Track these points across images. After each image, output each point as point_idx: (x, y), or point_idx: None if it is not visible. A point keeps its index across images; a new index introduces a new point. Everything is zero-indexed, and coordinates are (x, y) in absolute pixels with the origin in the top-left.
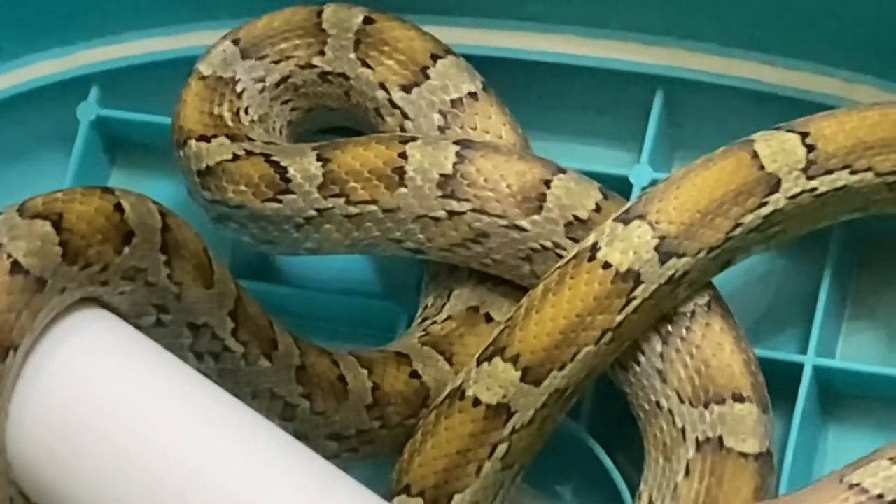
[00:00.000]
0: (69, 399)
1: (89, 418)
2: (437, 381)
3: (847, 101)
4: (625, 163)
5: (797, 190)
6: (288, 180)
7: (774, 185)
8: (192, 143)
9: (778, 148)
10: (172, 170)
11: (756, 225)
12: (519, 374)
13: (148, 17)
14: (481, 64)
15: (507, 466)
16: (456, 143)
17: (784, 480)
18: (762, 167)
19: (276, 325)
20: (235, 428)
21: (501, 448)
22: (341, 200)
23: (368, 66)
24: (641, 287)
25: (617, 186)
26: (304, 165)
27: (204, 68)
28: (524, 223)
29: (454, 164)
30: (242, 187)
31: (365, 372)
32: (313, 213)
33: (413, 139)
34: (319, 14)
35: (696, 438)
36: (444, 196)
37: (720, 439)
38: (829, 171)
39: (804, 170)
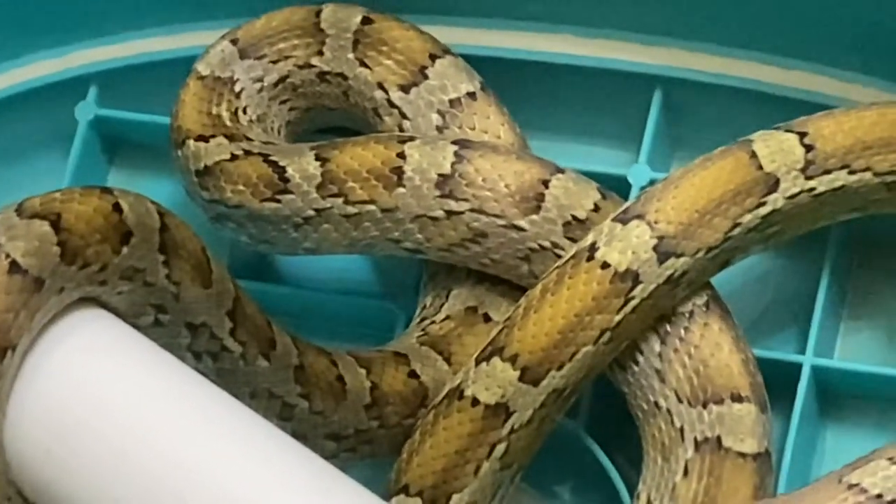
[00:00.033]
0: (67, 399)
1: (87, 418)
2: (435, 380)
3: (845, 101)
4: (623, 163)
5: (795, 190)
6: (286, 180)
7: (773, 185)
8: (191, 142)
9: (776, 148)
10: (171, 170)
11: (754, 225)
12: (517, 373)
13: (146, 17)
14: (480, 64)
15: (506, 466)
16: (454, 143)
17: (782, 480)
18: (760, 167)
19: (274, 324)
20: (234, 428)
21: (500, 448)
22: (340, 200)
23: (367, 66)
24: (640, 287)
25: (615, 186)
26: (302, 165)
27: (202, 68)
28: (522, 223)
29: (452, 164)
30: (241, 187)
31: (363, 372)
32: (312, 213)
33: (411, 139)
34: (318, 14)
35: (695, 438)
36: (442, 196)
37: (718, 439)
38: (828, 171)
39: (802, 170)
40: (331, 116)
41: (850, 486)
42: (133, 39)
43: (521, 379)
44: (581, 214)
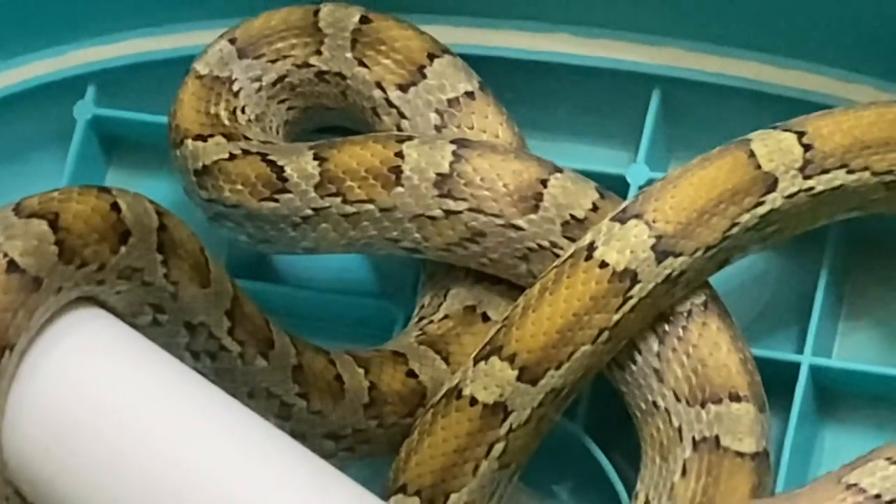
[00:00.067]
0: (65, 398)
1: (85, 417)
2: (433, 380)
3: (844, 100)
4: (621, 162)
5: (794, 189)
6: (284, 179)
7: (771, 184)
8: (189, 142)
9: (774, 147)
10: (169, 169)
11: (753, 224)
12: (516, 373)
13: (144, 17)
14: (478, 63)
15: (504, 466)
16: (452, 142)
17: (781, 480)
18: (759, 166)
19: (272, 324)
20: (232, 427)
21: (498, 447)
22: (338, 200)
23: (365, 66)
24: (638, 286)
25: (614, 186)
26: (300, 165)
27: (200, 67)
28: (521, 222)
29: (451, 164)
30: (239, 186)
31: (362, 371)
32: (310, 212)
33: (410, 138)
34: (316, 13)
35: (693, 438)
36: (440, 195)
37: (717, 439)
38: (826, 171)
39: (801, 169)
40: (329, 116)
41: (849, 487)
42: (131, 39)
43: (519, 378)
44: (579, 214)
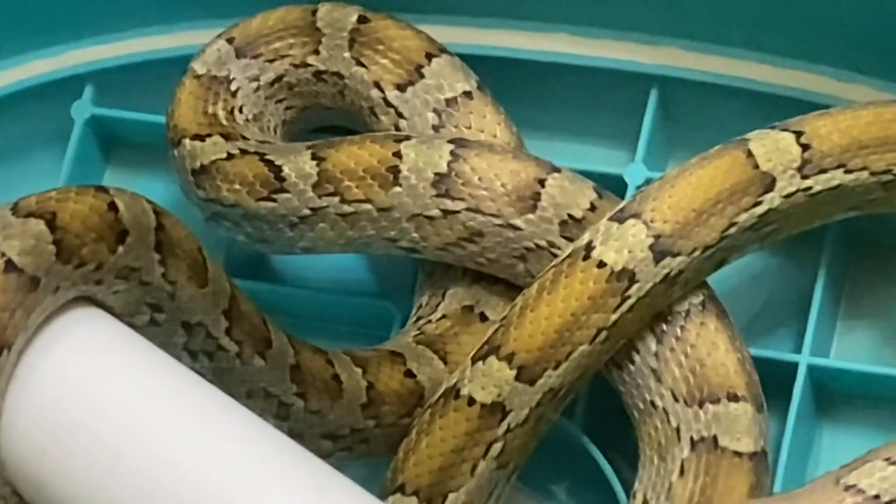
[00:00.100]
0: (63, 398)
1: (83, 417)
2: (431, 380)
3: (842, 100)
4: (619, 162)
5: (792, 189)
6: (282, 179)
7: (769, 184)
8: (187, 141)
9: (772, 147)
10: (167, 169)
11: (751, 224)
12: (514, 372)
13: (142, 16)
14: (476, 63)
15: (502, 465)
16: (450, 142)
17: (778, 479)
18: (757, 166)
19: (270, 323)
20: (230, 427)
21: (496, 447)
22: (336, 199)
23: (363, 65)
24: (636, 286)
25: (611, 185)
26: (298, 164)
27: (198, 67)
28: (519, 222)
29: (449, 163)
30: (237, 186)
31: (359, 371)
32: (308, 212)
33: (407, 138)
34: (314, 13)
35: (691, 437)
36: (438, 195)
37: (715, 438)
38: (824, 171)
39: (799, 169)
40: (327, 115)
41: (848, 488)
42: (129, 38)
43: (517, 378)
44: (577, 213)
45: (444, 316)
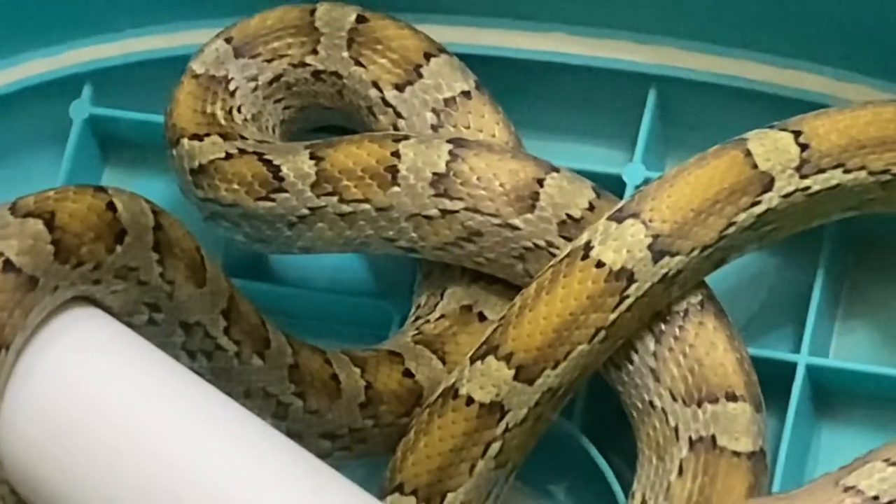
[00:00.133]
0: (61, 398)
1: (81, 417)
2: (430, 379)
3: (840, 100)
4: (618, 161)
5: (790, 189)
6: (281, 179)
7: (768, 183)
8: (185, 141)
9: (771, 147)
10: (165, 168)
11: (749, 224)
12: (512, 372)
13: (141, 16)
14: (474, 62)
15: (501, 465)
16: (449, 141)
17: (777, 479)
18: (755, 166)
19: (268, 323)
20: (228, 426)
21: (495, 447)
22: (334, 199)
23: (361, 65)
24: (635, 286)
25: (610, 185)
26: (297, 164)
27: (197, 67)
28: (517, 222)
29: (447, 163)
30: (235, 186)
31: (358, 371)
32: (306, 211)
33: (406, 138)
34: (312, 13)
35: (690, 437)
36: (437, 195)
37: (713, 438)
38: (823, 170)
39: (797, 168)
40: (325, 115)
41: (847, 489)
42: (128, 38)
43: (515, 378)
44: (576, 213)
45: (442, 316)
